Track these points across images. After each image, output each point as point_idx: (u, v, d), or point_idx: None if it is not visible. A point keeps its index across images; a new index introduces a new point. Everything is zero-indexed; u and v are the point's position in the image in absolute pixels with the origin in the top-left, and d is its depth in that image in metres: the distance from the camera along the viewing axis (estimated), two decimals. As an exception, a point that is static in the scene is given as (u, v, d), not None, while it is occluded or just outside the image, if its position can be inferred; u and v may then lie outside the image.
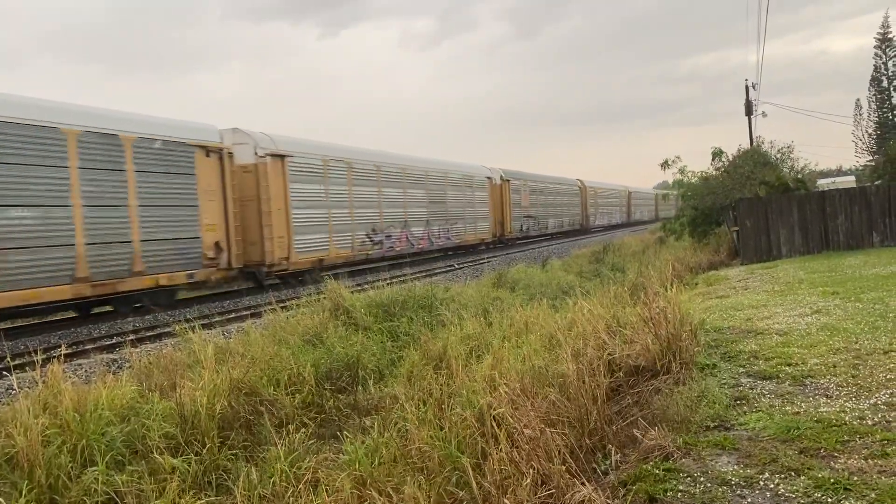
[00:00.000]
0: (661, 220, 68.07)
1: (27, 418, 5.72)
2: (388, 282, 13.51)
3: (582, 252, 27.63)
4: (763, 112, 37.24)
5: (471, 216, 34.37)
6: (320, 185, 22.12)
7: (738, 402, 5.25)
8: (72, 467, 5.54)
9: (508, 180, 38.83)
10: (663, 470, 4.10)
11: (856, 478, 3.73)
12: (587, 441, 4.79)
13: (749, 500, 3.66)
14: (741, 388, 5.57)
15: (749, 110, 35.83)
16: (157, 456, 5.70)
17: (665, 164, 27.75)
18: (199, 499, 5.20)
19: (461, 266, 25.95)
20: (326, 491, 4.79)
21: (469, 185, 34.42)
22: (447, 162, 33.48)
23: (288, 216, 20.18)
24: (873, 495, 3.52)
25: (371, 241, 24.78)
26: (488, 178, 36.97)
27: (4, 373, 9.53)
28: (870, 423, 4.52)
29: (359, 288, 14.52)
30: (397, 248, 26.70)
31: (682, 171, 27.29)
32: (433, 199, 30.26)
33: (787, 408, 4.97)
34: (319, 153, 22.37)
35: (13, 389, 7.41)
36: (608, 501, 3.82)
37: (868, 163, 61.31)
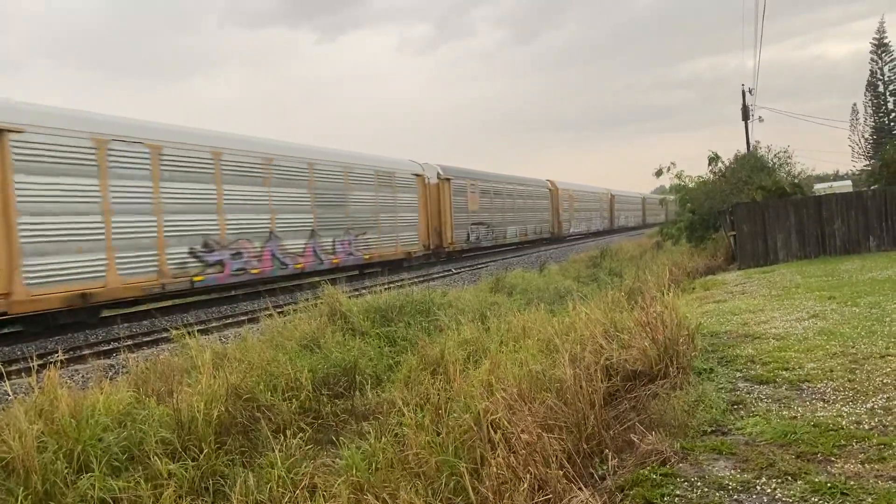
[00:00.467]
0: (649, 226, 66.10)
1: (23, 424, 5.70)
2: (386, 287, 13.49)
3: (579, 257, 27.63)
4: (760, 117, 37.53)
5: (389, 224, 26.40)
6: (90, 179, 14.52)
7: (735, 406, 5.25)
8: (68, 473, 5.52)
9: (449, 179, 31.25)
10: (660, 475, 4.10)
11: (853, 482, 3.73)
12: (584, 446, 4.78)
13: (746, 504, 3.66)
14: (738, 393, 5.57)
15: (746, 115, 36.00)
16: (154, 461, 5.68)
17: (659, 173, 27.90)
18: (195, 505, 5.18)
19: (459, 271, 25.95)
20: (323, 496, 4.79)
21: (388, 185, 26.50)
22: (353, 154, 25.55)
23: (9, 227, 12.86)
24: (870, 500, 3.53)
25: (202, 260, 17.36)
26: (417, 174, 28.88)
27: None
28: (866, 427, 4.53)
29: (356, 293, 14.51)
30: (253, 270, 19.06)
31: (679, 175, 27.44)
32: (324, 201, 22.44)
33: (784, 412, 4.98)
34: (87, 130, 14.59)
35: (8, 395, 7.38)
36: (605, 506, 3.81)
37: (865, 167, 61.52)
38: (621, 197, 68.31)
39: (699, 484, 3.94)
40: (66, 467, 5.56)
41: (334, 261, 22.85)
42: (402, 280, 18.15)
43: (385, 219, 26.30)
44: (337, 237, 23.15)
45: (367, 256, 24.94)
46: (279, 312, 12.04)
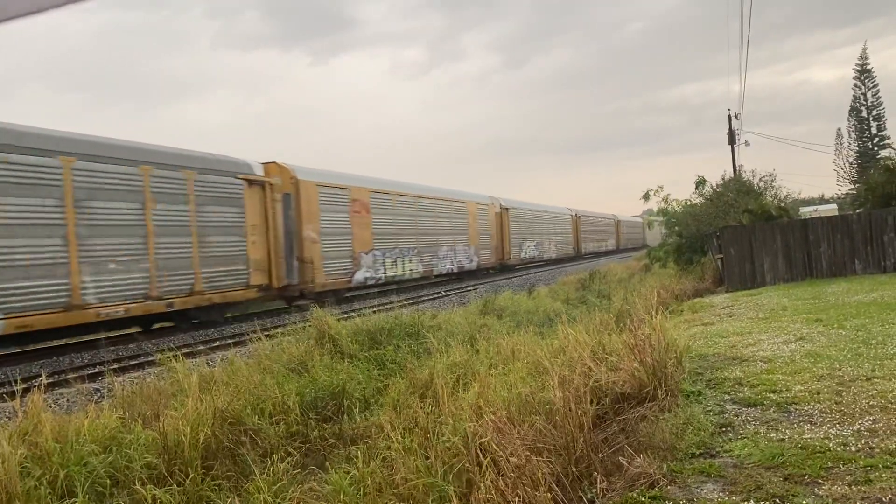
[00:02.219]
0: (578, 259, 48.84)
1: (5, 449, 5.62)
2: (375, 310, 13.45)
3: (569, 279, 27.68)
4: (746, 141, 37.92)
5: None
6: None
7: (724, 429, 5.26)
8: (51, 499, 5.43)
9: None
10: (649, 497, 4.09)
11: (840, 504, 3.74)
12: (573, 469, 4.76)
13: (735, 527, 3.65)
14: (726, 415, 5.58)
15: (732, 139, 36.43)
16: (139, 487, 5.61)
17: (647, 196, 28.16)
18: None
19: (448, 293, 25.92)
20: (310, 521, 4.73)
21: None
22: None
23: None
24: (857, 522, 3.53)
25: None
26: None
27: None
28: (853, 449, 4.54)
29: (345, 315, 14.46)
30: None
31: (665, 199, 27.71)
32: None
33: (772, 434, 4.99)
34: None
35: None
36: (594, 530, 3.79)
37: (850, 191, 62.18)
38: (522, 211, 40.22)
39: (688, 507, 3.93)
40: (50, 493, 5.47)
41: None
42: (392, 303, 18.11)
43: None
44: None
45: None
46: (267, 336, 11.97)
